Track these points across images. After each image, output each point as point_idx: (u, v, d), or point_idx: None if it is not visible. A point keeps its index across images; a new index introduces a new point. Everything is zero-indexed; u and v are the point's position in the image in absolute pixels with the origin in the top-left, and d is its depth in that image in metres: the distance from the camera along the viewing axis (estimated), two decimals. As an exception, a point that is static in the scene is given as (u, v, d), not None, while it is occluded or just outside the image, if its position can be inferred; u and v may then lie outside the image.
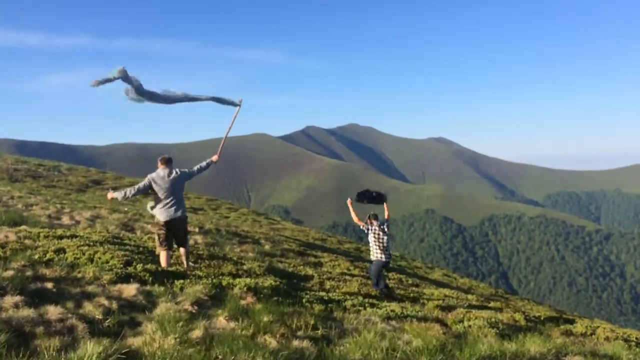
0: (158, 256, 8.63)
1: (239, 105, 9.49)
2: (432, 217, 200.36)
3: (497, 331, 7.29)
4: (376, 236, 10.31)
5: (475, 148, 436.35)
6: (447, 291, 13.00)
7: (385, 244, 10.30)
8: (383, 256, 10.23)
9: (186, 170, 8.80)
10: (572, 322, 9.79)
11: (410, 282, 13.75)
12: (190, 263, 9.17)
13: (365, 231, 10.56)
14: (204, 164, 9.11)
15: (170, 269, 8.28)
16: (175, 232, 8.57)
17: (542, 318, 9.61)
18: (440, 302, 9.75)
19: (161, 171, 8.53)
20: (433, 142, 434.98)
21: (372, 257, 10.44)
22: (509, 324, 8.29)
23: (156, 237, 8.67)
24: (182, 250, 8.91)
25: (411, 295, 10.60)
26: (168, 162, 8.63)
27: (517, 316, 9.11)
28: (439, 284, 16.02)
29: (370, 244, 10.52)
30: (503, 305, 12.77)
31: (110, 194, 8.56)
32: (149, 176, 8.52)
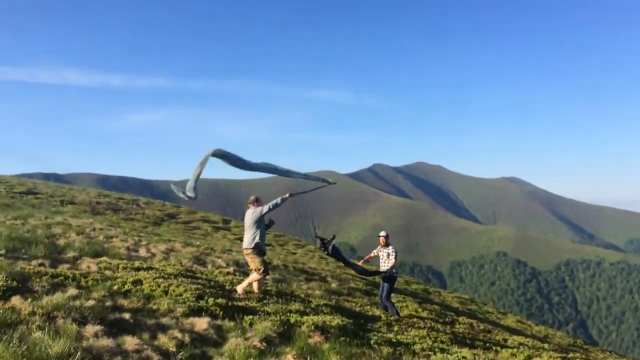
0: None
1: (329, 183, 11.46)
2: (503, 259, 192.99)
3: (578, 385, 6.85)
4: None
5: (550, 189, 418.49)
6: (521, 339, 12.39)
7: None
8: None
9: (261, 207, 9.91)
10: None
11: (481, 327, 13.22)
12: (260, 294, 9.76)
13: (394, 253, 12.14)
14: (279, 200, 9.86)
15: (239, 303, 8.41)
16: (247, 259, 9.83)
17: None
18: (515, 350, 9.31)
19: (249, 210, 9.99)
20: (505, 181, 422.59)
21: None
22: (591, 377, 7.77)
23: None
24: (254, 275, 9.69)
25: (483, 342, 10.18)
26: (253, 202, 10.08)
27: (600, 370, 8.53)
28: (512, 331, 15.31)
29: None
30: (583, 356, 12.00)
31: None
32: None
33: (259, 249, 9.69)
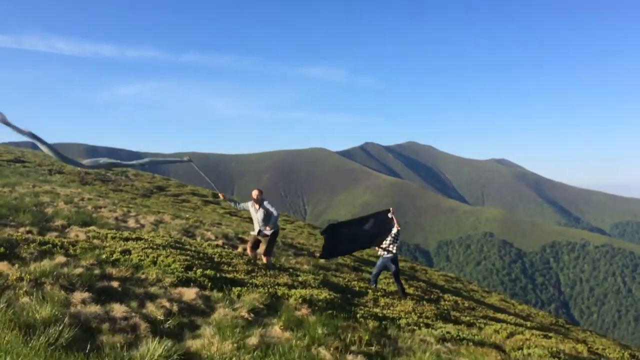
0: None
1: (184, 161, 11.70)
2: (490, 240, 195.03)
3: (559, 361, 7.00)
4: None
5: (539, 171, 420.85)
6: (504, 317, 12.60)
7: (387, 244, 11.89)
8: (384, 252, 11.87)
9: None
10: (637, 357, 9.27)
11: (466, 304, 13.42)
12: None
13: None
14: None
15: (228, 275, 8.45)
16: None
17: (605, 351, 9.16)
18: (498, 326, 9.46)
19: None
20: (494, 163, 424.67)
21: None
22: (571, 354, 7.94)
23: None
24: None
25: (467, 318, 10.34)
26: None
27: (580, 347, 8.71)
28: (496, 309, 15.55)
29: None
30: (564, 335, 12.24)
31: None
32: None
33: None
